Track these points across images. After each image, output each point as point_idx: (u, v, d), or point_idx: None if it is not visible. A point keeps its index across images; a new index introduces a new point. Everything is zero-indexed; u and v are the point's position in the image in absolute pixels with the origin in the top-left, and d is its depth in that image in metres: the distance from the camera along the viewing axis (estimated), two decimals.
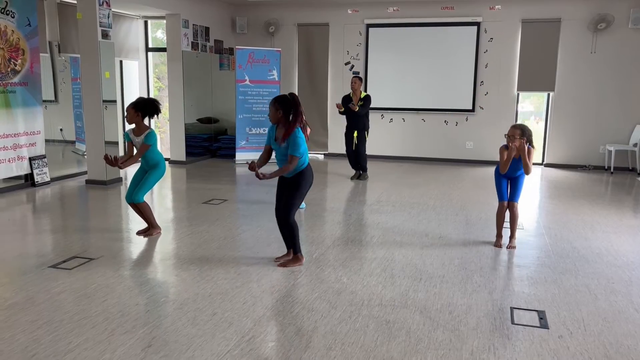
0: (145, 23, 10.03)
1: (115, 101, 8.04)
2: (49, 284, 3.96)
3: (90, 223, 5.78)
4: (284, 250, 4.67)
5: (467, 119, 10.27)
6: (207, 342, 3.12)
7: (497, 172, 5.10)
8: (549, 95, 9.96)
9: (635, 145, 9.29)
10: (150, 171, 5.16)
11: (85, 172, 8.31)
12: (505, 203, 5.06)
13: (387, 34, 10.37)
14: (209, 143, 10.54)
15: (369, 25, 10.44)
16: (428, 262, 4.58)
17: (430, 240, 5.24)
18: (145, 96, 5.06)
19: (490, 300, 3.78)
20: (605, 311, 3.63)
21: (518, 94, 10.02)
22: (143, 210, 5.18)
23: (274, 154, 4.50)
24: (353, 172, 8.60)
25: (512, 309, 3.64)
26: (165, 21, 9.47)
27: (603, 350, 3.10)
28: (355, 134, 8.26)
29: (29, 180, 7.41)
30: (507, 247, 5.00)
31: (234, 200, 6.87)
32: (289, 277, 4.20)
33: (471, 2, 9.84)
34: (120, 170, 8.14)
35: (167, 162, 5.28)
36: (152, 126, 10.39)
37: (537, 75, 9.76)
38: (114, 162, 4.94)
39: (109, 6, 7.57)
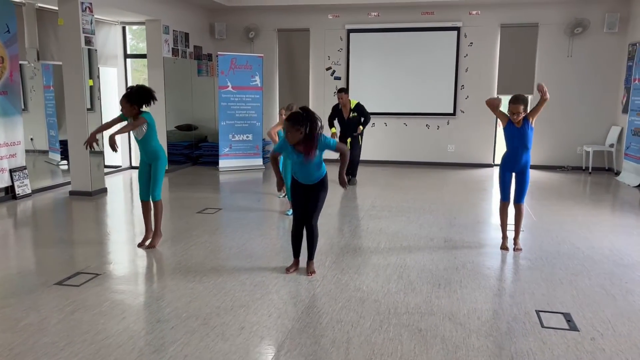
0: (124, 29, 9.76)
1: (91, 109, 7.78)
2: (59, 302, 3.78)
3: (84, 236, 5.56)
4: (292, 259, 4.57)
5: (448, 123, 10.39)
6: (243, 359, 3.02)
7: (501, 168, 5.06)
8: (527, 98, 10.15)
9: (611, 145, 9.58)
10: (153, 165, 4.99)
11: (67, 183, 8.04)
12: (508, 203, 5.09)
13: (368, 39, 10.41)
14: (189, 150, 10.34)
15: (349, 31, 10.46)
16: (441, 267, 4.58)
17: (437, 244, 5.25)
18: (134, 86, 4.84)
19: (514, 304, 3.80)
20: (628, 311, 3.69)
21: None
22: (156, 211, 5.01)
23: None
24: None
25: (537, 312, 3.66)
26: (144, 27, 9.26)
27: (637, 350, 3.15)
28: (349, 140, 8.24)
29: (9, 192, 7.09)
30: (514, 250, 5.05)
31: (228, 208, 6.74)
32: (307, 286, 4.13)
33: (451, 7, 9.98)
34: (105, 179, 7.91)
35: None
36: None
37: (516, 78, 9.96)
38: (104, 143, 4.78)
39: (92, 12, 7.34)
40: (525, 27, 9.81)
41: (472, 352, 3.10)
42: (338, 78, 10.60)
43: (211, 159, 10.18)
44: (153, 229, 5.13)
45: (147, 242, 5.10)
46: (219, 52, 9.84)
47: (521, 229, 5.21)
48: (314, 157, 4.06)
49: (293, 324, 3.47)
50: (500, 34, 9.92)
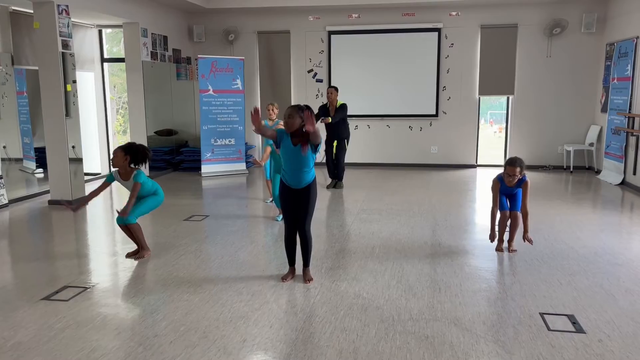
0: (100, 32, 9.52)
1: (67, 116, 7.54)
2: (48, 318, 3.60)
3: (67, 247, 5.35)
4: (286, 267, 4.49)
5: (431, 124, 10.40)
6: None
7: (494, 188, 5.06)
8: (508, 98, 10.25)
9: (591, 144, 9.70)
10: (148, 196, 4.86)
11: (45, 192, 7.78)
12: (507, 212, 5.07)
13: (350, 40, 10.36)
14: (170, 156, 10.13)
15: (330, 32, 10.39)
16: (439, 271, 4.53)
17: (432, 248, 5.20)
18: (126, 142, 4.74)
19: (517, 307, 3.76)
20: (630, 311, 3.68)
21: (479, 98, 10.25)
22: (134, 232, 4.86)
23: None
24: (328, 180, 8.49)
25: (541, 314, 3.63)
26: (118, 30, 9.04)
27: None
28: (335, 143, 8.16)
29: None
30: (509, 251, 5.03)
31: (215, 215, 6.59)
32: (305, 294, 4.03)
33: (431, 8, 9.99)
34: (87, 189, 7.67)
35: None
36: (111, 141, 9.90)
37: (497, 79, 10.03)
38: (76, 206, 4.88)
39: (69, 14, 7.12)
40: (504, 28, 9.88)
41: (483, 359, 3.04)
42: (320, 80, 10.52)
43: (193, 165, 10.00)
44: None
45: (136, 255, 4.96)
46: (199, 55, 9.67)
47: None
48: (306, 151, 3.96)
49: (297, 334, 3.36)
50: (480, 34, 9.97)
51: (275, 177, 6.20)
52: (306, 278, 4.28)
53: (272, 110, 6.89)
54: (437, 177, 9.35)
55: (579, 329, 3.41)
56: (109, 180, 4.82)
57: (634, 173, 8.10)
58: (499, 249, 5.08)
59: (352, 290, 4.08)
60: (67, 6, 7.05)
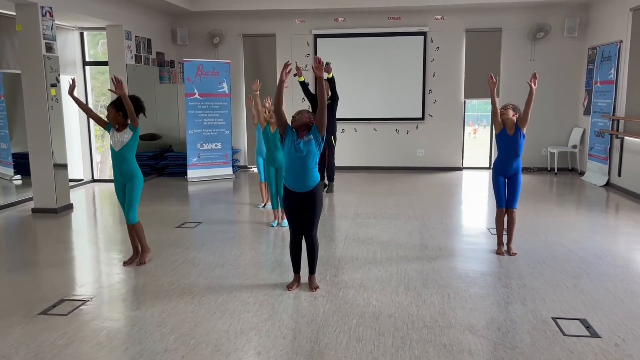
0: (81, 35, 9.28)
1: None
2: (49, 334, 3.45)
3: (59, 258, 5.16)
4: (289, 274, 4.42)
5: (417, 127, 10.42)
6: None
7: (494, 173, 5.06)
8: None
9: (574, 146, 9.85)
10: (128, 185, 4.70)
11: (27, 200, 7.54)
12: (504, 210, 5.08)
13: (336, 44, 10.32)
14: (155, 161, 9.93)
15: (316, 36, 10.34)
16: (445, 275, 4.50)
17: (433, 252, 5.18)
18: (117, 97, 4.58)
19: (528, 312, 3.75)
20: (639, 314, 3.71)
21: (465, 101, 10.32)
22: (137, 232, 4.73)
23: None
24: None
25: (554, 319, 3.62)
26: (97, 33, 8.82)
27: None
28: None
29: None
30: (508, 254, 5.03)
31: (208, 222, 6.45)
32: (314, 303, 3.95)
33: (417, 12, 10.02)
34: (75, 196, 7.45)
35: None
36: (94, 146, 9.66)
37: (482, 82, 10.06)
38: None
39: (52, 16, 6.91)
40: (489, 32, 9.97)
41: None
42: (307, 84, 10.42)
43: (178, 170, 9.82)
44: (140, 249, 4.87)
45: (135, 261, 4.83)
46: (184, 59, 9.51)
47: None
48: (304, 135, 3.97)
49: (312, 345, 3.28)
50: (465, 38, 10.04)
51: (270, 179, 6.12)
52: (312, 286, 4.20)
53: (268, 101, 6.83)
54: (425, 180, 9.36)
55: (594, 334, 3.40)
56: (107, 129, 4.69)
57: (619, 174, 8.24)
58: (499, 252, 5.08)
59: (360, 298, 4.02)
60: (50, 8, 6.84)
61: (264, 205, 7.16)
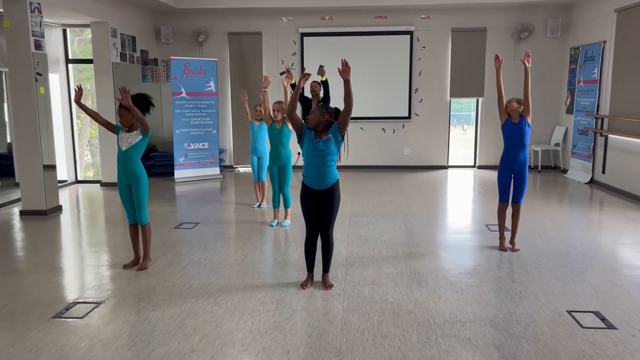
0: (64, 32, 9.06)
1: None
2: (69, 338, 3.37)
3: (57, 260, 5.04)
4: (301, 272, 4.44)
5: (403, 126, 10.51)
6: None
7: (500, 169, 5.15)
8: (478, 100, 10.50)
9: (556, 144, 10.08)
10: (134, 186, 4.61)
11: (12, 202, 7.33)
12: (507, 205, 5.17)
13: (322, 43, 10.32)
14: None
15: (303, 34, 10.32)
16: (454, 271, 4.57)
17: (436, 248, 5.24)
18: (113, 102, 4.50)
19: (543, 306, 3.83)
20: None
21: (450, 100, 10.46)
22: (144, 235, 4.65)
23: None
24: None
25: (569, 312, 3.71)
26: (79, 30, 8.63)
27: None
28: None
29: None
30: (512, 250, 5.12)
31: (205, 222, 6.38)
32: (331, 301, 3.95)
33: (403, 11, 10.10)
34: (61, 197, 7.28)
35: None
36: (77, 146, 9.46)
37: (467, 81, 10.25)
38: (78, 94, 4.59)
39: (41, 13, 6.73)
40: (474, 32, 10.12)
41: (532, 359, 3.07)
42: (292, 85, 10.40)
43: (164, 170, 9.69)
44: (142, 254, 4.78)
45: (135, 266, 4.74)
46: (171, 57, 9.37)
47: (507, 229, 5.26)
48: (324, 135, 3.98)
49: (339, 343, 3.29)
50: (451, 37, 10.17)
51: (273, 177, 6.09)
52: (327, 284, 4.21)
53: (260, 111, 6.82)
54: (413, 178, 9.45)
55: (610, 325, 3.50)
56: (116, 131, 4.60)
57: (603, 172, 8.47)
58: (502, 248, 5.17)
59: (377, 296, 4.04)
60: (39, 4, 6.67)
61: (259, 204, 7.12)
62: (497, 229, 5.28)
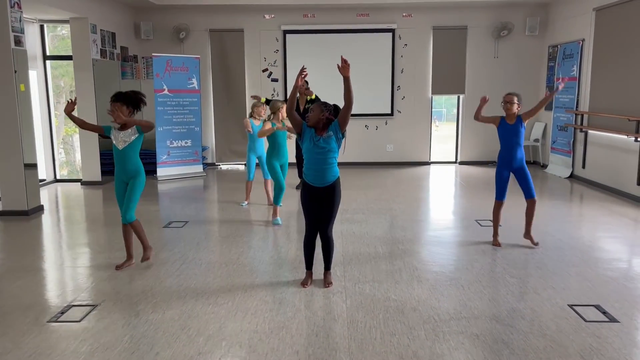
0: (42, 27, 8.80)
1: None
2: (68, 343, 3.26)
3: (44, 262, 4.89)
4: (299, 271, 4.40)
5: (386, 123, 10.54)
6: None
7: (499, 167, 5.20)
8: (459, 97, 10.60)
9: (536, 140, 10.24)
10: (131, 182, 4.52)
11: None
12: (503, 203, 5.22)
13: (305, 40, 10.27)
14: None
15: (285, 32, 10.25)
16: (453, 267, 4.59)
17: (432, 245, 5.26)
18: (116, 93, 4.42)
19: (545, 300, 3.87)
20: None
21: (432, 97, 10.52)
22: (135, 230, 4.56)
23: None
24: (297, 181, 8.34)
25: (571, 306, 3.75)
26: (58, 26, 8.40)
27: None
28: None
29: None
30: (533, 244, 5.13)
31: (195, 221, 6.28)
32: (334, 299, 3.92)
33: (385, 9, 10.12)
34: (42, 197, 7.08)
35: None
36: (55, 144, 9.21)
37: (448, 78, 10.33)
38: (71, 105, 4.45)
39: (20, 8, 6.52)
40: (455, 30, 10.20)
41: (543, 355, 3.09)
42: (275, 80, 10.36)
43: (147, 168, 9.43)
44: (138, 250, 4.69)
45: (130, 266, 4.65)
46: (153, 54, 9.20)
47: (500, 224, 5.31)
48: (324, 133, 3.96)
49: (348, 342, 3.26)
50: (432, 36, 10.23)
51: (274, 171, 6.04)
52: (327, 282, 4.18)
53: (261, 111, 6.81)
54: (396, 174, 9.48)
55: (612, 319, 3.56)
56: (106, 133, 4.46)
57: (583, 167, 8.63)
58: (495, 243, 5.22)
59: (379, 293, 4.03)
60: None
61: (248, 203, 7.05)
62: (488, 224, 5.34)
